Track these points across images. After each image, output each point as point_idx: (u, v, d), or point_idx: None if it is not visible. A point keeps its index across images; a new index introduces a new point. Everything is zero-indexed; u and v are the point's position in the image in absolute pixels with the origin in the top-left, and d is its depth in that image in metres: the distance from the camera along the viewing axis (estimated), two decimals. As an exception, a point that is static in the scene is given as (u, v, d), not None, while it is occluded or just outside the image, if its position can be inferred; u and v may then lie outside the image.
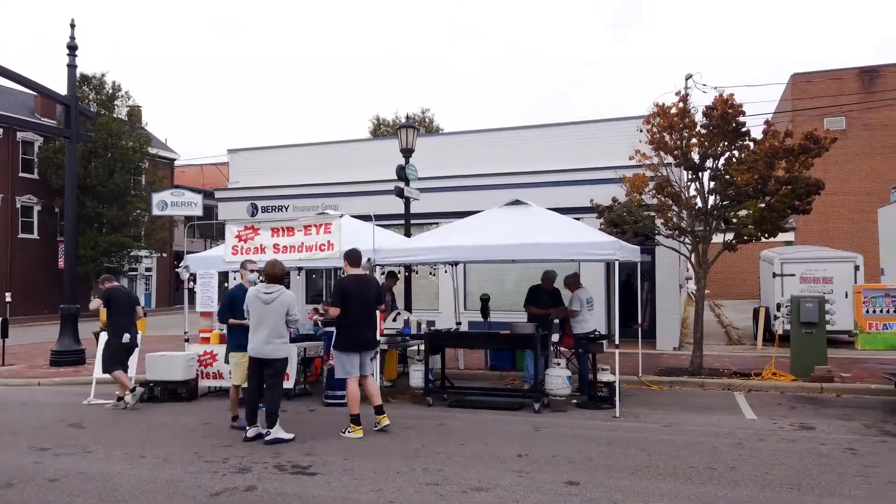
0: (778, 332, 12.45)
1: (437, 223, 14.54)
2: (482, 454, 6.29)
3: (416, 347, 10.43)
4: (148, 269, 38.49)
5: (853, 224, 23.65)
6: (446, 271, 12.63)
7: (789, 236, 23.93)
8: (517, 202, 9.98)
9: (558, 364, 8.95)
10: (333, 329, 7.54)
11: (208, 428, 7.64)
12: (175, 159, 41.31)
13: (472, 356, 12.54)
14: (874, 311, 7.72)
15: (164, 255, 38.44)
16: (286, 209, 17.91)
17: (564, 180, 15.02)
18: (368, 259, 8.49)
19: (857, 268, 14.50)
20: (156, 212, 15.14)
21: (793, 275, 14.81)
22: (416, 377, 9.24)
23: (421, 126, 35.15)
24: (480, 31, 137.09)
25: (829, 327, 11.36)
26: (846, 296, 13.56)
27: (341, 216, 9.17)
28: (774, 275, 15.06)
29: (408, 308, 12.08)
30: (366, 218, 10.08)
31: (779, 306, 13.53)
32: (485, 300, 12.22)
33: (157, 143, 38.88)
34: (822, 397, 9.40)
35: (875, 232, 9.96)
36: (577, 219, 10.99)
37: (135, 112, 35.30)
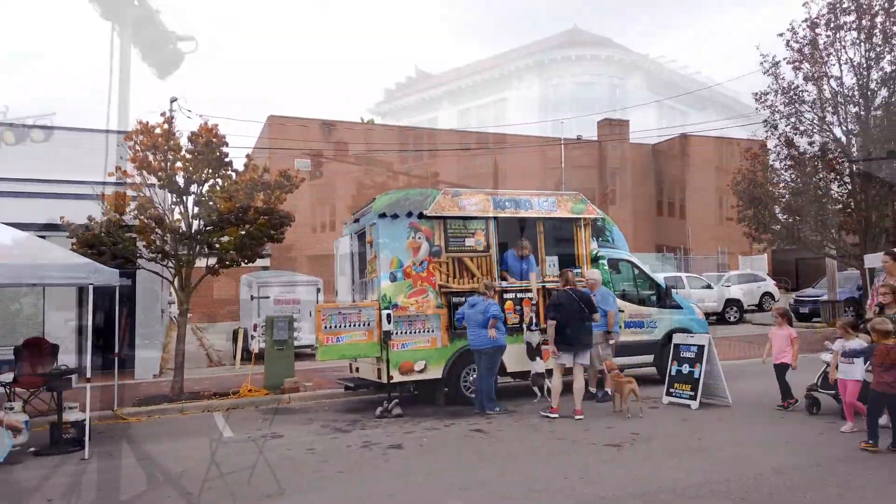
0: (255, 350, 13.41)
1: None
2: None
3: None
4: None
5: (315, 252, 27.44)
6: None
7: (266, 262, 26.07)
8: (-44, 213, 8.05)
9: (11, 409, 7.53)
10: None
11: None
12: None
13: None
14: (330, 327, 9.08)
15: None
16: None
17: (25, 191, 12.90)
18: None
19: (318, 290, 16.91)
20: None
21: (268, 297, 16.23)
22: None
23: None
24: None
25: (297, 343, 12.90)
26: (310, 314, 15.63)
27: None
28: (252, 297, 16.21)
29: None
30: None
31: (255, 326, 14.62)
32: None
33: None
34: (291, 406, 10.54)
35: (333, 259, 11.88)
36: (43, 237, 9.61)
37: None
